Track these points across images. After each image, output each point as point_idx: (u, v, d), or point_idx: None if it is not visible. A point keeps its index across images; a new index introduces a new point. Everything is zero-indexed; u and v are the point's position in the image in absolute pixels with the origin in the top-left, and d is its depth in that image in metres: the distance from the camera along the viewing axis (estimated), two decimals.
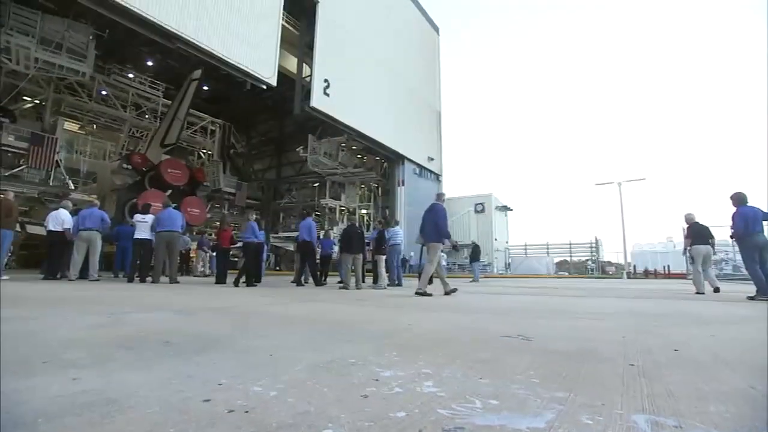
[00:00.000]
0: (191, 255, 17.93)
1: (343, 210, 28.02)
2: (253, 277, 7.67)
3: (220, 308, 3.48)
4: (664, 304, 4.83)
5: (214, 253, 11.17)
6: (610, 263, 41.45)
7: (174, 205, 15.91)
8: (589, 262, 36.42)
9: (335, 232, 24.68)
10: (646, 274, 27.53)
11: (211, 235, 21.91)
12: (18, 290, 5.11)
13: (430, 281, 6.27)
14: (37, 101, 21.72)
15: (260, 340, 2.02)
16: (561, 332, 2.53)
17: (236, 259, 20.67)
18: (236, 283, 7.36)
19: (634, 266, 29.69)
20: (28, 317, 2.49)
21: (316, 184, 30.97)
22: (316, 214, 30.84)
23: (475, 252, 15.20)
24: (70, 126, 23.36)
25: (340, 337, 2.19)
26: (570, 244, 44.17)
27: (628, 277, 25.78)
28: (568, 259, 44.82)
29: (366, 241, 8.74)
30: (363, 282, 8.11)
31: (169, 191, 18.75)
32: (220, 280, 8.28)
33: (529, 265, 34.32)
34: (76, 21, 17.13)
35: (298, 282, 8.67)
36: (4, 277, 7.42)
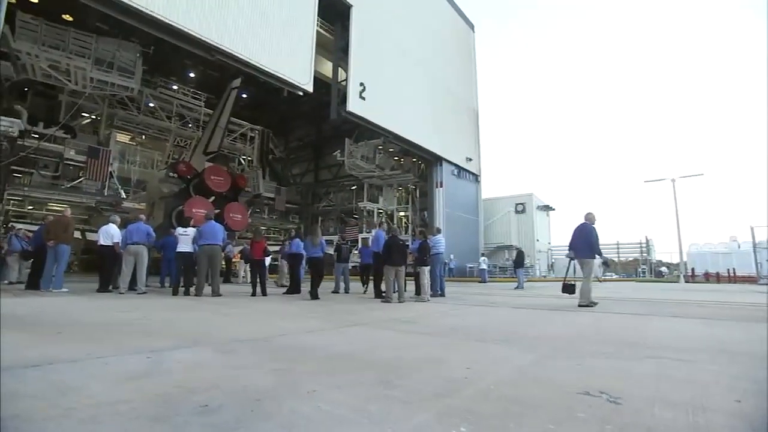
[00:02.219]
0: (233, 260, 18.35)
1: (381, 213, 27.90)
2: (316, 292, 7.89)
3: (262, 339, 3.31)
4: (757, 332, 4.19)
5: (247, 264, 11.30)
6: (661, 263, 38.86)
7: (216, 211, 16.38)
8: (641, 264, 34.18)
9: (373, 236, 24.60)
10: (707, 277, 25.39)
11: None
12: (69, 311, 5.24)
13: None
14: (94, 117, 23.16)
15: (306, 402, 1.79)
16: (650, 386, 2.14)
17: (276, 263, 21.06)
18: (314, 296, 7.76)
19: (693, 269, 27.47)
20: (68, 360, 2.41)
21: (353, 187, 31.07)
22: (353, 217, 30.95)
23: (519, 258, 14.51)
24: (122, 138, 24.77)
25: (394, 396, 1.92)
26: (617, 244, 41.80)
27: (686, 281, 23.91)
28: (615, 259, 42.45)
29: (408, 250, 8.48)
30: (405, 290, 7.87)
31: (213, 198, 19.32)
32: (259, 292, 8.27)
33: (573, 267, 32.70)
34: (125, 40, 18.09)
35: (377, 294, 8.66)
36: (64, 289, 7.80)
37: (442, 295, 9.22)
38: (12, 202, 20.85)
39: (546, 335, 3.88)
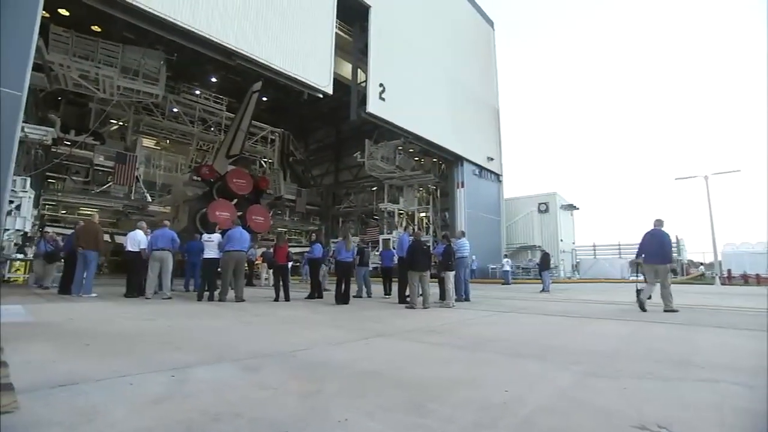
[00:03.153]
0: (256, 262, 18.54)
1: (401, 213, 27.76)
2: (345, 296, 7.85)
3: (287, 353, 3.22)
4: None
5: (271, 270, 11.31)
6: (692, 263, 37.26)
7: (239, 213, 16.50)
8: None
9: (394, 237, 24.52)
10: (745, 279, 24.15)
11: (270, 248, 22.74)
12: (98, 319, 5.32)
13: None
14: (121, 123, 23.90)
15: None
16: (714, 419, 1.93)
17: (298, 264, 21.23)
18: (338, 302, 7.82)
19: (729, 270, 26.21)
20: (94, 378, 2.37)
21: (374, 188, 31.01)
22: (374, 218, 30.89)
23: (544, 260, 14.10)
24: (147, 143, 25.46)
25: (429, 426, 1.79)
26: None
27: (722, 283, 22.82)
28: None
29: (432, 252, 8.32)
30: (429, 295, 7.71)
31: (235, 200, 19.57)
32: (282, 297, 8.26)
33: (600, 268, 31.61)
34: (150, 48, 18.57)
35: (401, 299, 8.49)
36: (93, 294, 7.98)
37: (467, 299, 9.01)
38: (47, 206, 21.73)
39: (583, 349, 3.66)
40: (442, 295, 8.28)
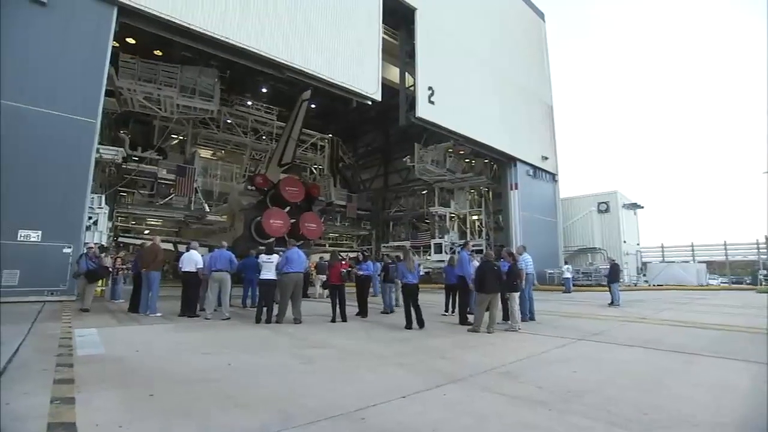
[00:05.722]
0: (310, 271, 18.69)
1: (453, 217, 27.07)
2: (419, 321, 7.30)
3: (355, 415, 2.92)
4: None
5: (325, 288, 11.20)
6: None
7: (291, 220, 16.73)
8: (761, 267, 29.21)
9: (446, 242, 23.88)
10: None
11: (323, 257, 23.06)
12: (160, 350, 5.38)
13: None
14: (181, 137, 25.38)
15: None
16: None
17: (350, 269, 21.24)
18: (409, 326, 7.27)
19: None
20: None
21: (424, 192, 30.57)
22: (425, 222, 30.37)
23: (613, 271, 12.94)
24: (204, 153, 26.85)
25: None
26: (725, 244, 36.38)
27: None
28: (722, 259, 37.06)
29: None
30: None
31: (288, 208, 19.92)
32: (338, 318, 8.13)
33: (672, 273, 28.87)
34: (205, 66, 19.51)
35: (461, 320, 7.97)
36: (158, 313, 8.28)
37: (532, 319, 8.38)
38: (119, 218, 23.53)
39: (705, 417, 2.98)
40: (506, 316, 7.75)
